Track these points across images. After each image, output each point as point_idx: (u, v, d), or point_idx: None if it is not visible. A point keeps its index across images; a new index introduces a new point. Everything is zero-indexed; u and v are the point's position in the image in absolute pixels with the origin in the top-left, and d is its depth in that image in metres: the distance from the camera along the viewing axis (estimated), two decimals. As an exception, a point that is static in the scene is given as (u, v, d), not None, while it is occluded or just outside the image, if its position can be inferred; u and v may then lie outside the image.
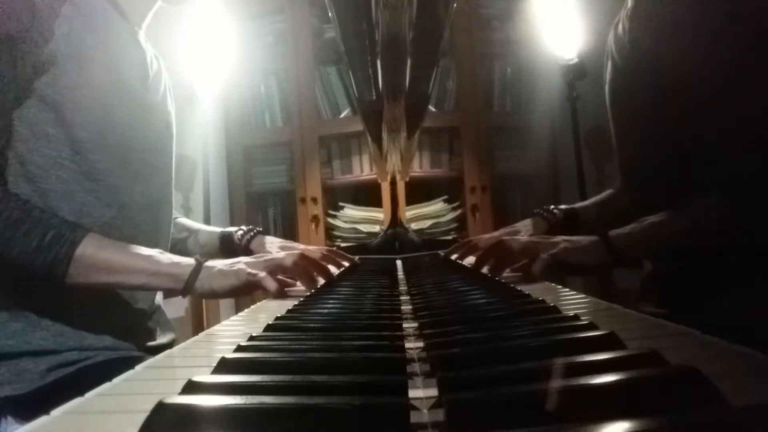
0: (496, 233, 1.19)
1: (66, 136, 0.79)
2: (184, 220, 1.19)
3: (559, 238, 0.87)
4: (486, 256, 0.93)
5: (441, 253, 1.35)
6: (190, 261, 0.83)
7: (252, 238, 1.16)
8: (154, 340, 0.95)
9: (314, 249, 1.16)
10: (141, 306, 0.92)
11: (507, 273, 0.92)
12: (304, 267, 0.88)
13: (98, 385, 0.73)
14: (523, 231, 1.15)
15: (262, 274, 0.84)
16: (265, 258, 0.88)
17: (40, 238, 0.72)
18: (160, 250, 0.84)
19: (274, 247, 1.16)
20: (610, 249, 0.82)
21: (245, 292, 0.86)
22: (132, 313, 0.90)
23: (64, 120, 0.78)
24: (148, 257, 0.81)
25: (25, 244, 0.71)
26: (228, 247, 1.16)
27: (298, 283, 0.91)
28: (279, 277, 0.88)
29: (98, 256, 0.76)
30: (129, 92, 0.87)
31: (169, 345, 0.98)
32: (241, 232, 1.17)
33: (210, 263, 0.84)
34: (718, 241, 0.83)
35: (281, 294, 0.85)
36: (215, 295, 0.85)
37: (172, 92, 1.06)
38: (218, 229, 1.19)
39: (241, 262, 0.86)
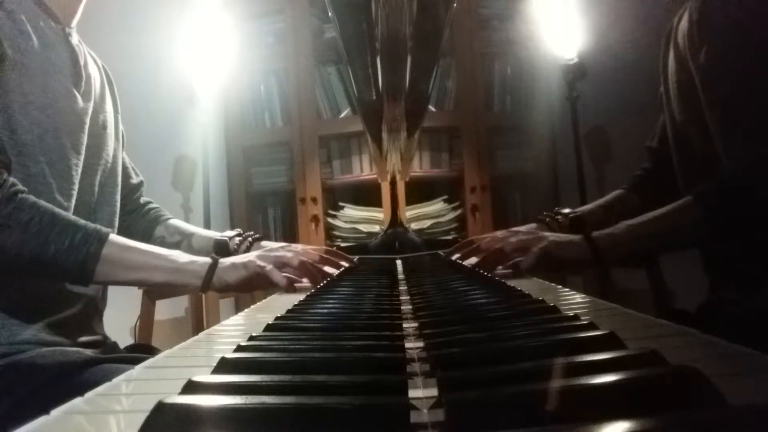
0: (498, 234, 1.19)
1: (9, 139, 0.80)
2: (176, 222, 1.16)
3: (546, 234, 0.93)
4: (485, 261, 0.97)
5: (441, 253, 1.35)
6: (206, 259, 0.88)
7: (250, 245, 1.12)
8: (93, 335, 0.94)
9: (314, 249, 1.15)
10: (77, 299, 0.91)
11: (499, 270, 0.96)
12: (307, 268, 0.94)
13: (27, 379, 0.69)
14: None
15: (269, 267, 0.89)
16: (274, 254, 0.93)
17: (71, 238, 0.78)
18: (179, 251, 0.90)
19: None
20: (592, 247, 0.87)
21: (256, 284, 0.91)
22: (67, 307, 0.89)
23: (9, 125, 0.79)
24: (168, 257, 0.87)
25: (59, 244, 0.77)
26: (223, 254, 1.10)
27: (304, 279, 0.95)
28: (285, 273, 0.92)
29: (123, 256, 0.82)
30: (64, 95, 0.88)
31: (101, 343, 0.95)
32: (238, 238, 1.13)
33: (223, 259, 0.90)
34: (689, 246, 0.88)
35: (289, 288, 0.90)
36: (230, 288, 0.90)
37: (114, 91, 1.05)
38: (214, 234, 1.15)
39: (252, 255, 0.91)
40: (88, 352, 0.86)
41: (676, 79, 0.93)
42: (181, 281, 0.87)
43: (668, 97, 0.98)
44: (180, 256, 0.88)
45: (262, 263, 0.89)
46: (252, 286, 0.91)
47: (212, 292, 1.77)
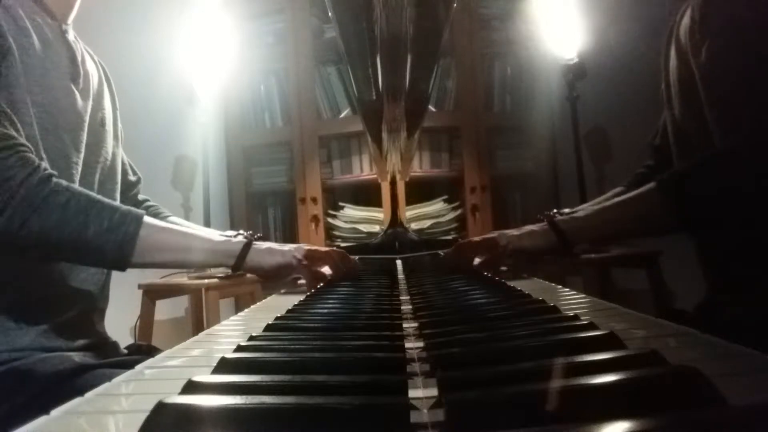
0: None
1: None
2: (176, 220, 1.17)
3: (510, 231, 0.96)
4: (452, 256, 1.02)
5: (441, 253, 1.35)
6: (240, 239, 0.93)
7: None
8: (94, 337, 0.93)
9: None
10: (78, 300, 0.90)
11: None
12: (340, 268, 0.98)
13: (24, 386, 0.69)
14: None
15: (305, 263, 0.94)
16: (315, 250, 0.97)
17: (109, 219, 0.78)
18: (212, 230, 0.94)
19: None
20: (556, 231, 0.89)
21: (284, 274, 0.96)
22: (67, 308, 0.88)
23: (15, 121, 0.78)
24: (202, 237, 0.90)
25: (98, 226, 0.77)
26: None
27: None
28: (316, 269, 0.98)
29: (158, 237, 0.83)
30: (63, 92, 0.87)
31: (102, 343, 0.94)
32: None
33: (259, 242, 0.93)
34: (651, 231, 0.90)
35: (311, 285, 0.95)
36: (261, 270, 0.93)
37: (112, 87, 1.05)
38: (215, 233, 1.14)
39: (292, 247, 0.95)
40: (88, 356, 0.85)
41: (677, 76, 0.93)
42: (217, 261, 0.90)
43: (669, 94, 0.98)
44: (213, 235, 0.91)
45: (300, 256, 0.93)
46: (280, 275, 0.95)
47: (213, 291, 1.79)
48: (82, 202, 0.76)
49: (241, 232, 1.15)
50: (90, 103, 0.94)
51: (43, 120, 0.82)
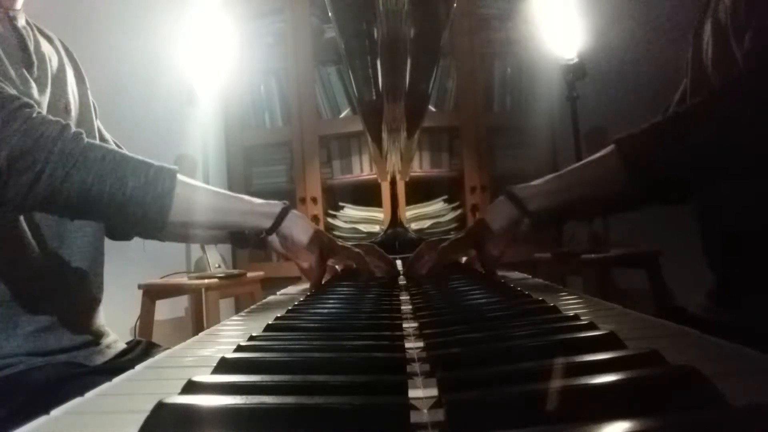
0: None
1: None
2: None
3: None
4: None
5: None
6: (278, 203, 0.90)
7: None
8: (89, 334, 0.90)
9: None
10: (71, 294, 0.87)
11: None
12: (363, 261, 0.93)
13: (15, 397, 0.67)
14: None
15: (327, 246, 0.90)
16: (344, 247, 0.93)
17: (146, 173, 0.75)
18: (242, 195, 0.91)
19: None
20: (514, 200, 0.84)
21: (307, 248, 0.91)
22: (59, 305, 0.85)
23: None
24: (239, 198, 0.89)
25: (136, 180, 0.75)
26: (240, 239, 1.05)
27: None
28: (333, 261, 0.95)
29: (193, 196, 0.81)
30: (18, 81, 0.82)
31: (98, 339, 0.91)
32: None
33: (297, 212, 0.92)
34: (614, 199, 0.85)
35: (308, 274, 0.93)
36: (285, 241, 0.90)
37: (77, 65, 1.00)
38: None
39: (323, 241, 0.91)
40: (82, 358, 0.83)
41: (713, 54, 0.84)
42: (252, 223, 0.88)
43: (696, 67, 0.90)
44: (252, 198, 0.89)
45: (326, 238, 0.91)
46: (301, 250, 0.91)
47: (213, 291, 1.79)
48: (117, 157, 0.74)
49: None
50: (48, 92, 0.89)
51: None
